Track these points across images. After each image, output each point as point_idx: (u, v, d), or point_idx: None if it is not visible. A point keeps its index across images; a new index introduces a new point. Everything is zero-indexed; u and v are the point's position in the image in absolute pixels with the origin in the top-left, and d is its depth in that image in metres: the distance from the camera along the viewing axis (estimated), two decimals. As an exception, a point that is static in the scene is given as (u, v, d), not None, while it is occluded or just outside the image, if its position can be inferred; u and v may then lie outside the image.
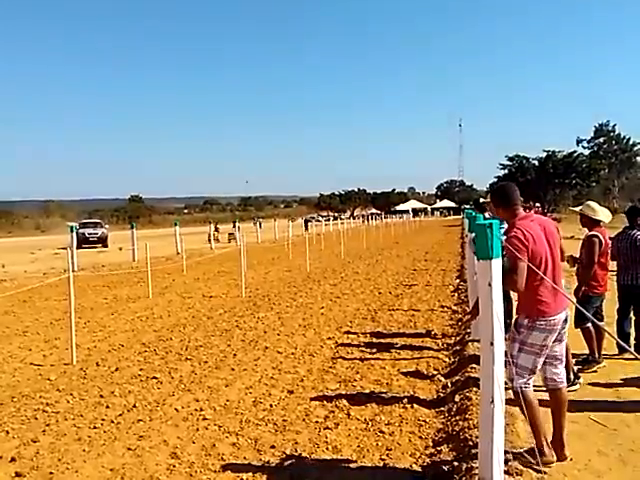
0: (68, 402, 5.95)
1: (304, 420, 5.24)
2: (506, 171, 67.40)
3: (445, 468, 4.02)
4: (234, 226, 39.05)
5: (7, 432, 5.15)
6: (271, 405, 5.68)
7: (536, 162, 65.10)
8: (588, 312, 5.89)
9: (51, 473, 4.29)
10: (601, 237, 6.00)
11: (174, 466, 4.36)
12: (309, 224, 53.85)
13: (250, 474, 4.18)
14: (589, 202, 6.37)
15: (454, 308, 10.60)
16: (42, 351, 8.37)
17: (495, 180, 66.84)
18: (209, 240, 34.81)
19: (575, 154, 64.85)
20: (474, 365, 6.02)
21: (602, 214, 6.06)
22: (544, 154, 64.70)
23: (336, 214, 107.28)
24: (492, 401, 3.33)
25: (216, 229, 39.28)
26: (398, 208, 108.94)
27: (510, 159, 67.62)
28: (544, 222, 4.04)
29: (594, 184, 66.16)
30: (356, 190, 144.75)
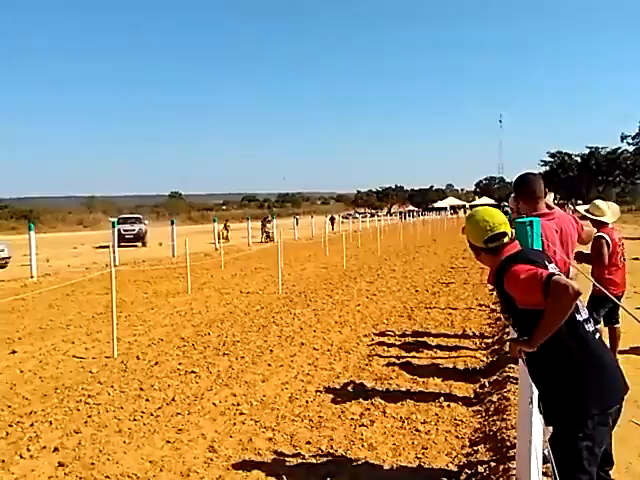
0: (109, 394, 6.10)
1: (340, 417, 5.26)
2: (547, 168, 66.18)
3: (482, 468, 3.99)
4: (264, 224, 35.72)
5: (50, 423, 5.30)
6: (307, 401, 5.72)
7: (579, 159, 63.76)
8: (599, 314, 5.75)
9: (92, 464, 4.40)
10: (608, 238, 5.82)
11: (211, 459, 4.44)
12: (334, 222, 50.66)
13: (286, 469, 4.22)
14: (596, 201, 6.18)
15: (492, 307, 10.47)
16: (84, 344, 8.58)
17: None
18: (218, 239, 30.65)
19: (619, 150, 63.21)
20: (512, 365, 5.94)
21: (608, 214, 5.88)
22: (587, 150, 63.30)
23: (373, 211, 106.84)
24: (531, 401, 3.29)
25: (225, 227, 34.71)
26: (436, 205, 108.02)
27: (552, 155, 66.38)
28: (562, 222, 3.90)
29: (638, 181, 64.42)
30: (393, 187, 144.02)
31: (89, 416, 5.45)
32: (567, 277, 2.86)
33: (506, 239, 2.80)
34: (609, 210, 5.97)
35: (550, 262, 2.75)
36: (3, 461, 4.48)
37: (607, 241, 5.82)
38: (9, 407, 5.81)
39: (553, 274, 2.45)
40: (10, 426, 5.24)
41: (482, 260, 2.94)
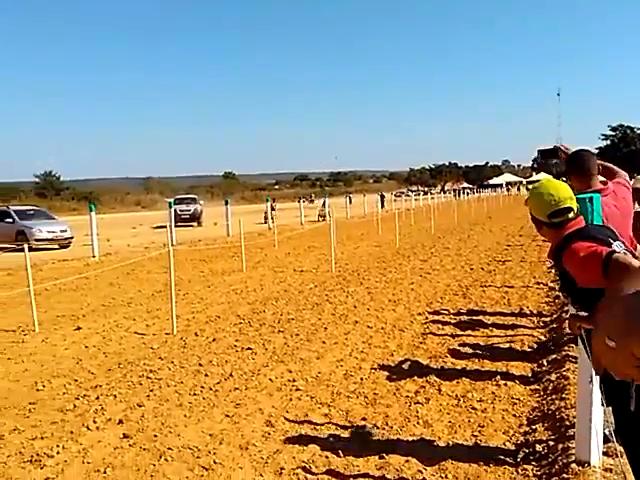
0: (169, 370, 6.29)
1: (394, 394, 5.27)
2: (608, 142, 63.79)
3: (540, 447, 3.95)
4: (323, 205, 35.45)
5: (115, 396, 5.52)
6: (361, 378, 5.76)
7: (642, 132, 61.08)
8: None
9: (155, 436, 4.57)
10: None
11: (269, 434, 4.53)
12: (385, 200, 48.22)
13: (342, 444, 4.27)
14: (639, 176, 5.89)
15: (550, 285, 10.23)
16: (145, 321, 8.86)
17: (597, 152, 63.45)
18: (265, 220, 30.83)
19: (685, 123, 60.32)
20: (572, 344, 5.82)
21: None
22: (651, 123, 60.57)
23: (426, 189, 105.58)
24: (591, 380, 3.22)
25: (272, 207, 32.53)
26: (491, 182, 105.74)
27: (613, 129, 63.88)
28: (619, 198, 3.74)
29: None
30: (447, 164, 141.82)
31: (151, 390, 5.64)
32: (634, 256, 2.77)
33: (571, 214, 2.71)
34: None
35: (616, 239, 2.66)
36: (72, 432, 4.70)
37: None
38: (76, 381, 6.07)
39: (614, 252, 2.36)
40: (77, 399, 5.49)
41: (544, 234, 2.86)
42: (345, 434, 4.49)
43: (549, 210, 2.71)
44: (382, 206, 44.34)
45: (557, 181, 2.87)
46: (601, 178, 3.85)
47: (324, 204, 35.99)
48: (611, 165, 3.99)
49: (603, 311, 0.72)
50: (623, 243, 2.77)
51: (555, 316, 7.79)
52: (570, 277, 2.56)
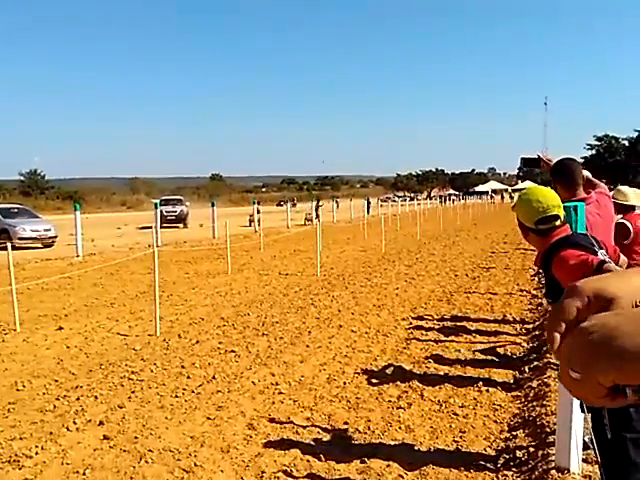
0: (152, 371, 6.25)
1: (377, 399, 5.28)
2: (594, 152, 64.39)
3: (520, 454, 3.97)
4: (317, 207, 35.49)
5: (96, 397, 5.47)
6: (345, 382, 5.76)
7: (626, 142, 61.76)
8: None
9: (136, 437, 4.53)
10: (629, 224, 5.58)
11: (251, 437, 4.52)
12: (370, 205, 46.41)
13: (323, 448, 4.27)
14: (620, 187, 5.98)
15: (533, 292, 10.32)
16: (128, 322, 8.80)
17: (582, 161, 64.02)
18: (250, 223, 30.57)
19: (669, 135, 61.09)
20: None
21: (632, 198, 5.64)
22: (635, 134, 61.24)
23: (412, 194, 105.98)
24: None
25: (257, 210, 31.23)
26: (477, 189, 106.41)
27: (599, 139, 64.50)
28: (602, 207, 3.78)
29: (689, 166, 62.23)
30: (434, 170, 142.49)
31: (133, 392, 5.60)
32: (617, 264, 2.80)
33: (558, 222, 2.73)
34: (634, 195, 5.75)
35: (600, 248, 2.69)
36: (51, 433, 4.65)
37: (627, 227, 5.60)
38: (56, 381, 6.01)
39: (604, 262, 2.39)
40: (57, 399, 5.43)
41: (530, 241, 2.88)
42: (327, 438, 4.49)
43: (536, 217, 2.73)
44: (368, 212, 44.17)
45: (545, 188, 2.90)
46: None
47: (317, 207, 36.02)
48: (592, 177, 4.03)
49: (565, 338, 0.71)
50: (607, 251, 2.81)
51: (537, 323, 7.85)
52: (556, 284, 2.58)
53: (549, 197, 2.76)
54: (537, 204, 2.73)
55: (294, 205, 35.26)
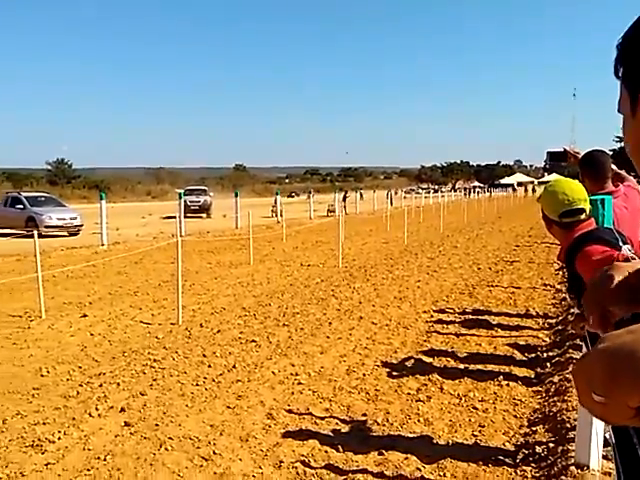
0: (173, 359, 6.32)
1: (396, 391, 5.28)
2: (622, 144, 63.32)
3: (539, 449, 3.94)
4: (344, 199, 35.99)
5: (118, 384, 5.55)
6: (364, 374, 5.76)
7: (657, 134, 60.55)
8: None
9: (157, 425, 4.59)
10: None
11: (269, 426, 4.55)
12: (392, 197, 46.26)
13: (342, 439, 4.28)
14: None
15: (558, 287, 10.19)
16: (151, 310, 8.90)
17: (611, 154, 62.83)
18: (273, 213, 31.16)
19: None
20: (576, 347, 5.79)
21: None
22: (667, 126, 60.00)
23: (436, 186, 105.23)
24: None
25: (275, 200, 31.96)
26: (502, 181, 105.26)
27: (628, 131, 63.27)
28: (629, 200, 3.70)
29: None
30: (458, 162, 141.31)
31: (154, 379, 5.67)
32: None
33: (583, 216, 2.68)
34: None
35: (625, 243, 2.63)
36: (74, 418, 4.73)
37: None
38: (80, 368, 6.11)
39: (628, 258, 2.34)
40: (80, 386, 5.53)
41: (553, 233, 2.83)
42: (345, 429, 4.50)
43: (561, 209, 2.68)
44: (391, 203, 43.95)
45: (572, 181, 2.84)
46: None
47: (344, 199, 36.23)
48: (620, 171, 3.96)
49: (581, 361, 0.68)
50: (632, 246, 2.75)
51: (561, 318, 7.76)
52: (579, 279, 2.53)
53: (575, 190, 2.71)
54: (562, 196, 2.68)
55: (309, 196, 35.46)
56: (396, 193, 55.45)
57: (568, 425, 4.11)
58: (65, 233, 22.44)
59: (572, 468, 3.48)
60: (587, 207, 2.71)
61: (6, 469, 3.90)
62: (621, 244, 2.58)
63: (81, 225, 23.07)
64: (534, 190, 73.42)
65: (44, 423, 4.65)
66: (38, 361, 6.39)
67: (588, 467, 3.46)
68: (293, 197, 47.97)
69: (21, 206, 22.63)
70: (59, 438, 4.35)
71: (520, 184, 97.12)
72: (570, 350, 5.89)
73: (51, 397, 5.26)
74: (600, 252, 2.44)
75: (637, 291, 0.83)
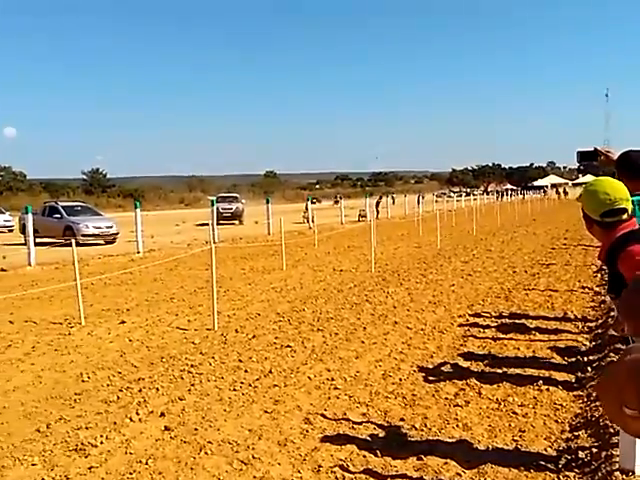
0: (210, 365, 6.38)
1: (433, 396, 5.24)
2: (660, 143, 61.69)
3: (582, 454, 3.87)
4: (377, 204, 36.29)
5: (157, 389, 5.63)
6: (400, 379, 5.74)
7: (696, 133, 58.94)
8: None
9: (196, 429, 4.64)
10: None
11: (307, 431, 4.56)
12: (423, 201, 46.54)
13: (380, 444, 4.27)
14: None
15: (596, 289, 9.99)
16: (187, 316, 9.01)
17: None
18: (305, 219, 31.21)
19: None
20: (619, 346, 5.67)
21: None
22: None
23: (468, 190, 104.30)
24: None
25: (306, 207, 31.99)
26: (536, 183, 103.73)
27: (665, 130, 61.74)
28: None
29: None
30: (490, 165, 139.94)
31: (192, 384, 5.73)
32: None
33: (625, 216, 2.64)
34: None
35: None
36: (115, 423, 4.81)
37: None
38: (119, 373, 6.22)
39: None
40: (121, 391, 5.62)
41: (594, 233, 2.79)
42: (383, 434, 4.49)
43: (603, 209, 2.64)
44: (419, 207, 43.51)
45: (614, 180, 2.80)
46: None
47: (377, 204, 36.26)
48: None
49: (608, 374, 0.66)
50: None
51: (600, 321, 7.61)
52: (621, 279, 2.49)
53: (617, 189, 2.67)
54: (604, 196, 2.64)
55: (337, 202, 35.69)
56: (423, 197, 54.97)
57: (611, 430, 4.03)
58: (102, 241, 22.88)
59: (617, 474, 3.42)
60: (629, 207, 2.67)
61: (52, 472, 3.99)
62: None
63: (117, 233, 23.48)
64: (566, 192, 71.41)
65: (87, 428, 4.74)
66: (79, 367, 6.52)
67: (633, 473, 3.39)
68: (315, 203, 47.52)
69: (59, 215, 23.15)
70: (101, 442, 4.43)
71: (554, 186, 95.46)
72: (611, 354, 5.78)
73: (92, 402, 5.37)
74: None
75: None
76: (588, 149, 4.15)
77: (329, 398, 5.27)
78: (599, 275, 11.46)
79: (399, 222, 30.79)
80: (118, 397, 5.45)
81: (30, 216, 17.25)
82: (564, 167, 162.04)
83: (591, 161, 4.17)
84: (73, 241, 9.72)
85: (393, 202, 44.66)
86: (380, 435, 4.47)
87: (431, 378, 5.72)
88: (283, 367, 6.20)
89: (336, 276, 12.78)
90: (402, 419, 4.73)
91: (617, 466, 3.49)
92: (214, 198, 28.41)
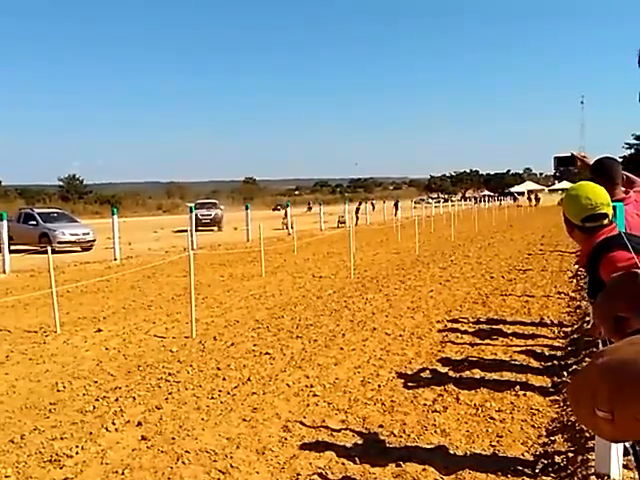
0: (188, 373, 6.33)
1: (412, 402, 5.25)
2: (632, 151, 62.76)
3: (559, 459, 3.91)
4: (357, 210, 36.65)
5: (134, 398, 5.57)
6: (379, 385, 5.75)
7: (667, 140, 60.12)
8: None
9: (173, 439, 4.60)
10: None
11: (286, 439, 4.54)
12: (400, 207, 45.25)
13: (359, 451, 4.27)
14: None
15: (572, 295, 10.12)
16: (164, 324, 8.93)
17: (621, 160, 62.38)
18: (284, 226, 31.17)
19: None
20: (594, 352, 5.74)
21: None
22: (676, 132, 59.57)
23: (446, 196, 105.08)
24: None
25: (285, 213, 31.97)
26: (513, 190, 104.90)
27: (637, 137, 62.84)
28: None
29: None
30: (468, 171, 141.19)
31: (170, 393, 5.68)
32: None
33: (606, 221, 2.67)
34: None
35: None
36: (91, 433, 4.75)
37: None
38: (95, 382, 6.14)
39: None
40: (97, 400, 5.55)
41: (574, 237, 2.81)
42: (362, 441, 4.48)
43: (584, 214, 2.66)
44: (396, 214, 43.22)
45: (596, 185, 2.82)
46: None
47: (357, 210, 36.61)
48: (629, 174, 3.96)
49: (578, 378, 0.65)
50: None
51: (576, 326, 7.71)
52: (602, 284, 2.51)
53: (599, 194, 2.69)
54: (586, 201, 2.66)
55: (310, 209, 35.88)
56: (399, 203, 54.99)
57: (587, 434, 4.08)
58: (78, 248, 22.58)
59: (592, 478, 3.46)
60: (610, 212, 2.70)
61: (25, 484, 3.92)
62: None
63: (94, 240, 23.22)
64: (538, 199, 71.69)
65: (62, 438, 4.67)
66: (54, 376, 6.42)
67: (609, 476, 3.43)
68: (279, 210, 47.19)
69: (34, 222, 22.81)
70: (77, 453, 4.37)
71: (531, 192, 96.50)
72: (586, 359, 5.85)
73: (68, 412, 5.29)
74: (626, 259, 2.42)
75: None
76: (565, 155, 4.21)
77: (308, 405, 5.26)
78: (575, 281, 11.62)
79: (378, 228, 30.87)
80: (94, 407, 5.38)
81: (5, 223, 17.00)
82: (540, 173, 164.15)
83: (568, 167, 4.22)
84: (49, 248, 9.59)
85: (373, 208, 44.77)
86: (359, 442, 4.47)
87: (410, 384, 5.74)
88: (262, 374, 6.18)
89: (315, 282, 12.78)
90: (381, 425, 4.74)
91: (593, 470, 3.53)
92: (193, 205, 28.27)
